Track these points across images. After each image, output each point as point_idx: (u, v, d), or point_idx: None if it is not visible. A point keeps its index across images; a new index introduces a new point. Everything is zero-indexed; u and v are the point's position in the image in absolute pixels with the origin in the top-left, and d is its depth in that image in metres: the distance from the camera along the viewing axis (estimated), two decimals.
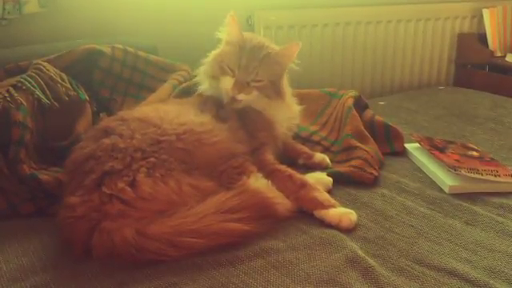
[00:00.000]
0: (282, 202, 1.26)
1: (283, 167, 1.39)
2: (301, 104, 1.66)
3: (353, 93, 1.89)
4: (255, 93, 1.48)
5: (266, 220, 1.20)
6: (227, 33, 1.52)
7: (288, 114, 1.59)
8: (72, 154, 1.29)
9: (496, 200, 1.40)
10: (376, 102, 2.36)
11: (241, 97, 1.47)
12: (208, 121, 1.38)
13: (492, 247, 1.19)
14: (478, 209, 1.36)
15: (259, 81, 1.48)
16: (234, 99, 1.47)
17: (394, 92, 2.83)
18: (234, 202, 1.18)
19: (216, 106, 1.49)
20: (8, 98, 1.41)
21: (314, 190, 1.31)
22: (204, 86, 1.57)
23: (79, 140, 1.38)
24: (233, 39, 1.50)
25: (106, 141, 1.23)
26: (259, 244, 1.15)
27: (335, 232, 1.21)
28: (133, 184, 1.15)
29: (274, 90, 1.51)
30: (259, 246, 1.14)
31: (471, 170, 1.49)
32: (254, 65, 1.46)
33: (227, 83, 1.48)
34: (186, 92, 1.67)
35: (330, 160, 1.60)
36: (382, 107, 2.28)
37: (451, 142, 1.75)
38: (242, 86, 1.46)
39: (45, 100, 1.49)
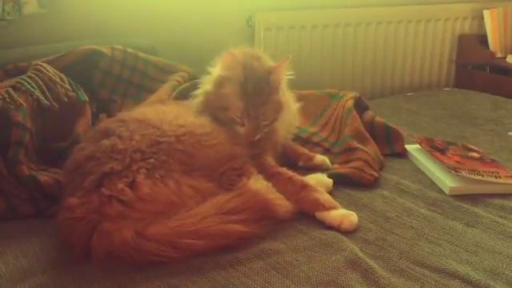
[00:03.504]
0: (282, 204, 1.25)
1: (284, 170, 1.39)
2: (301, 106, 1.65)
3: (353, 94, 1.89)
4: (266, 129, 1.44)
5: (266, 221, 1.20)
6: (223, 69, 1.41)
7: (288, 119, 1.58)
8: (71, 155, 1.28)
9: (497, 201, 1.40)
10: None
11: (256, 138, 1.42)
12: (207, 123, 1.37)
13: (493, 249, 1.18)
14: (478, 210, 1.35)
15: (268, 119, 1.43)
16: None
17: (395, 93, 2.83)
18: (234, 204, 1.18)
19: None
20: (7, 99, 1.41)
21: (314, 192, 1.31)
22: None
23: (78, 141, 1.38)
24: (231, 80, 1.39)
25: (106, 142, 1.23)
26: (259, 245, 1.15)
27: (335, 233, 1.21)
28: (132, 185, 1.15)
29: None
30: (259, 248, 1.14)
31: (472, 171, 1.49)
32: (262, 111, 1.40)
33: (239, 131, 1.41)
34: (185, 93, 1.66)
35: (331, 161, 1.60)
36: (382, 108, 2.27)
37: (452, 143, 1.75)
38: (254, 132, 1.41)
39: (44, 101, 1.49)
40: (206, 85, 1.46)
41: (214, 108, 1.42)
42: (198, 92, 1.49)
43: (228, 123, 1.40)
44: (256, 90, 1.38)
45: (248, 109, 1.38)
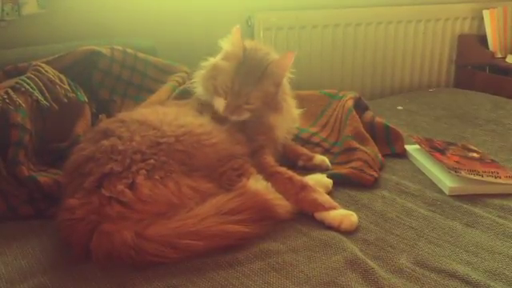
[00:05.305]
0: (281, 204, 1.25)
1: (283, 169, 1.39)
2: (301, 105, 1.65)
3: (353, 94, 1.89)
4: (247, 114, 1.45)
5: (266, 222, 1.20)
6: (229, 44, 1.48)
7: (288, 121, 1.58)
8: (71, 155, 1.28)
9: (496, 201, 1.40)
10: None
11: (233, 118, 1.44)
12: (207, 122, 1.37)
13: (492, 249, 1.18)
14: (478, 210, 1.35)
15: (251, 104, 1.45)
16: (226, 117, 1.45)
17: (395, 93, 2.83)
18: (233, 204, 1.18)
19: (213, 109, 1.48)
20: (7, 100, 1.40)
21: (314, 192, 1.31)
22: (199, 92, 1.54)
23: (78, 142, 1.38)
24: (231, 55, 1.46)
25: (106, 143, 1.23)
26: (259, 246, 1.15)
27: (335, 234, 1.21)
28: (132, 186, 1.15)
29: (269, 106, 1.47)
30: (259, 248, 1.14)
31: (471, 171, 1.49)
32: (247, 90, 1.42)
33: (219, 103, 1.45)
34: (185, 93, 1.66)
35: (330, 162, 1.60)
36: (383, 109, 2.27)
37: (451, 144, 1.75)
38: (233, 108, 1.43)
39: (43, 101, 1.49)
40: (213, 59, 1.52)
41: (208, 77, 1.49)
42: (204, 64, 1.54)
43: (212, 92, 1.47)
44: (250, 70, 1.43)
45: (234, 84, 1.42)
